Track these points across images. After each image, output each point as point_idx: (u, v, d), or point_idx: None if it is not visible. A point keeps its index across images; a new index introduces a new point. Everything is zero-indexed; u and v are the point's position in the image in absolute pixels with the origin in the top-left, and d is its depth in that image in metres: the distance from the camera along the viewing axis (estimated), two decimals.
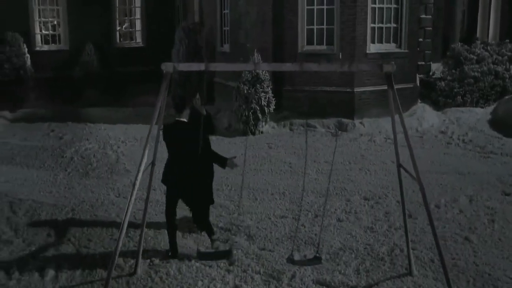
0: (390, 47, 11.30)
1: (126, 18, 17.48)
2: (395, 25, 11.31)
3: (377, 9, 11.02)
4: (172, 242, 5.47)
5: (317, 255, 4.46)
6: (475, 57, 12.38)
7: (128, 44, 17.25)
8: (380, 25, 11.16)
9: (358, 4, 10.62)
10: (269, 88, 10.85)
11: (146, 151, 3.96)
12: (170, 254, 5.46)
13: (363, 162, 8.80)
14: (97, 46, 15.84)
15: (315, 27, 11.15)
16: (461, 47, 12.80)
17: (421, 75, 12.92)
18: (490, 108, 11.88)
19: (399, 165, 4.80)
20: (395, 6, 11.21)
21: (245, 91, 10.65)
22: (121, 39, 17.29)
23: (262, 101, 10.70)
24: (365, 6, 10.67)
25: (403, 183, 5.10)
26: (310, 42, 11.20)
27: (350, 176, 8.05)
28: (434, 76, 13.20)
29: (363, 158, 9.02)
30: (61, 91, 15.13)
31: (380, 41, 11.19)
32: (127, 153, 9.62)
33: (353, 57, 10.87)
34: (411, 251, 5.08)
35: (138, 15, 17.22)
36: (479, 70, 12.10)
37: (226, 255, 4.70)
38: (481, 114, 11.66)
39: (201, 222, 5.71)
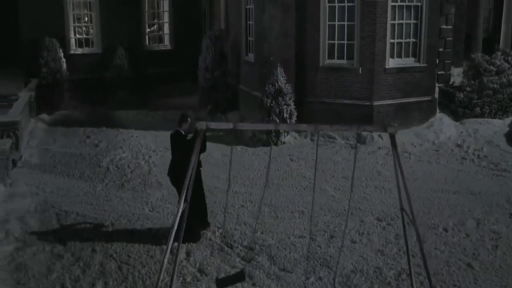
0: (409, 62, 11.67)
1: (155, 21, 18.18)
2: (414, 40, 11.65)
3: (396, 25, 11.37)
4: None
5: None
6: (494, 69, 12.61)
7: (157, 46, 17.97)
8: (399, 40, 11.52)
9: (377, 21, 11.00)
10: (291, 101, 11.40)
11: (183, 198, 4.63)
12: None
13: (379, 179, 9.31)
14: (127, 49, 16.61)
15: (336, 42, 11.59)
16: (481, 58, 13.02)
17: (441, 85, 13.21)
18: (508, 120, 12.18)
19: (402, 209, 5.29)
20: (414, 21, 11.54)
21: (268, 104, 11.24)
22: (150, 42, 18.01)
23: (284, 113, 11.28)
24: (384, 23, 11.04)
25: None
26: (331, 56, 11.66)
27: (365, 194, 8.60)
28: (454, 85, 13.47)
29: (379, 174, 9.52)
30: (94, 93, 16.02)
31: (399, 56, 11.56)
32: (158, 164, 10.36)
33: (372, 72, 11.30)
34: (413, 279, 5.64)
35: (166, 19, 17.90)
36: (498, 81, 12.35)
37: (240, 277, 5.23)
38: (499, 126, 11.95)
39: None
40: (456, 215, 7.75)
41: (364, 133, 11.37)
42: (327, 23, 11.47)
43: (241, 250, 6.74)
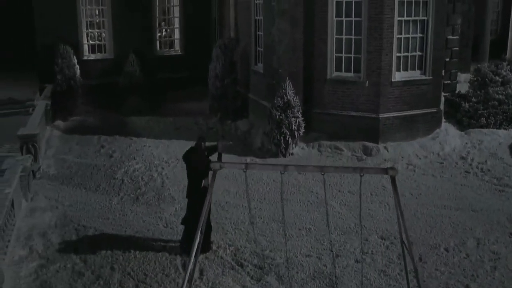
0: (415, 75, 11.89)
1: (166, 27, 18.47)
2: (420, 53, 11.85)
3: (402, 39, 11.58)
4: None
5: None
6: (500, 79, 12.79)
7: (168, 52, 18.28)
8: (406, 54, 11.74)
9: (384, 35, 11.21)
10: (299, 113, 11.71)
11: (199, 230, 5.00)
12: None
13: (384, 194, 9.61)
14: (138, 54, 16.93)
15: (343, 55, 11.84)
16: (487, 68, 13.19)
17: (447, 94, 13.42)
18: None
19: (402, 242, 5.61)
20: (420, 35, 11.73)
21: (277, 117, 11.56)
22: (161, 47, 18.33)
23: (293, 125, 11.59)
24: (390, 38, 11.25)
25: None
26: (338, 69, 11.92)
27: (370, 211, 8.91)
28: (460, 93, 13.65)
29: (384, 189, 9.80)
30: (107, 99, 16.36)
31: (405, 69, 11.79)
32: (171, 176, 10.74)
33: (378, 85, 11.55)
34: None
35: (176, 25, 18.19)
36: (503, 92, 12.54)
37: None
38: (504, 137, 12.16)
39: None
40: (457, 234, 8.04)
41: (370, 145, 11.64)
42: (335, 36, 11.71)
43: (251, 269, 7.10)
